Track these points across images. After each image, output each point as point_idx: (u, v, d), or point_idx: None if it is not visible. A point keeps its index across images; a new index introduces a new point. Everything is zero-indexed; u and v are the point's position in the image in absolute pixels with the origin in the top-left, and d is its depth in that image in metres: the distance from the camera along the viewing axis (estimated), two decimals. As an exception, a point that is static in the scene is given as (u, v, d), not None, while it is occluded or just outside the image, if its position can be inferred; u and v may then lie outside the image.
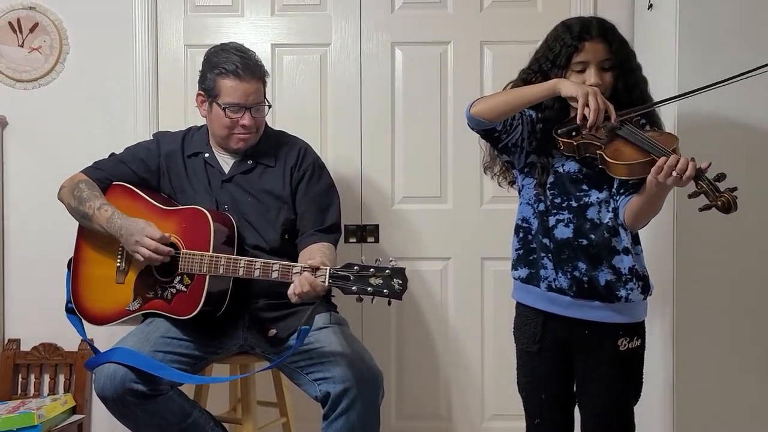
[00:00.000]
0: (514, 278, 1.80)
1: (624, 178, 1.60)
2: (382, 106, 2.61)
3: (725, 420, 2.09)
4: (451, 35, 2.60)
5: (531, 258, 1.74)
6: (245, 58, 1.97)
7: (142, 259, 1.88)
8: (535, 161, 1.73)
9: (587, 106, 1.53)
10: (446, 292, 2.63)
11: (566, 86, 1.58)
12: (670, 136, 1.63)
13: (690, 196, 1.52)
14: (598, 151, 1.59)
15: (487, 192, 2.59)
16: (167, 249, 1.87)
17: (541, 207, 1.72)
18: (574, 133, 1.60)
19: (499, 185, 1.90)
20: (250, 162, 2.07)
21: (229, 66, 1.95)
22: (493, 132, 1.69)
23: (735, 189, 1.47)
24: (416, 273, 2.58)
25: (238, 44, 2.03)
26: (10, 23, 2.63)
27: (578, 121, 1.56)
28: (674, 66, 2.08)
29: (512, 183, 1.87)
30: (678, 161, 1.48)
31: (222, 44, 2.04)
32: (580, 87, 1.56)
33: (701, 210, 1.50)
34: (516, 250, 1.78)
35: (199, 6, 2.64)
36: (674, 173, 1.48)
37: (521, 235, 1.77)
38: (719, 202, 1.47)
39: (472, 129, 1.72)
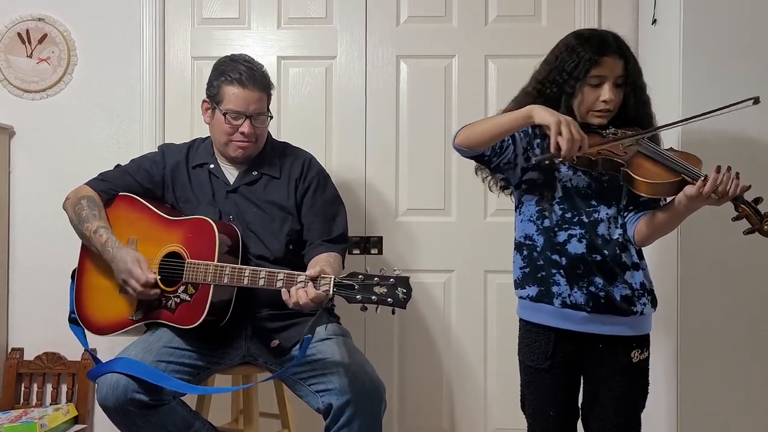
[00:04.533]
0: (521, 297, 1.76)
1: (649, 196, 1.59)
2: (387, 119, 2.62)
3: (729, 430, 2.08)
4: (455, 49, 2.61)
5: (539, 275, 1.71)
6: (251, 68, 2.00)
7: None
8: (536, 177, 1.72)
9: (560, 134, 1.50)
10: (449, 305, 2.63)
11: (539, 113, 1.54)
12: (694, 157, 1.62)
13: (733, 220, 1.53)
14: (622, 168, 1.57)
15: (490, 205, 2.59)
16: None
17: (546, 223, 1.70)
18: (546, 161, 1.57)
19: (490, 189, 1.89)
20: (255, 173, 2.08)
21: (235, 74, 1.98)
22: (482, 157, 1.71)
23: None
24: (419, 285, 2.59)
25: (248, 56, 2.06)
26: (19, 34, 2.66)
27: (552, 150, 1.52)
28: (678, 81, 2.09)
29: (504, 188, 1.85)
30: (720, 182, 1.47)
31: (232, 55, 2.07)
32: (553, 115, 1.52)
33: (746, 233, 1.50)
34: (521, 268, 1.75)
35: (206, 18, 2.66)
36: (713, 196, 1.48)
37: (525, 252, 1.74)
38: (766, 227, 1.47)
39: (463, 156, 1.72)
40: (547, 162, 1.57)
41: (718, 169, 1.49)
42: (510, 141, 1.70)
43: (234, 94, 1.98)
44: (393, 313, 1.65)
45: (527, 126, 1.62)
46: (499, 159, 1.71)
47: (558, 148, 1.50)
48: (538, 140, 1.72)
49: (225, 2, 2.66)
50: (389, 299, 1.62)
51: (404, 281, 1.63)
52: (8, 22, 2.66)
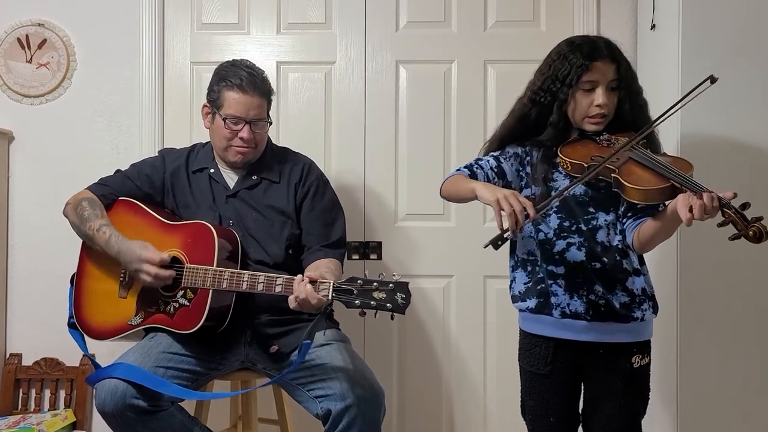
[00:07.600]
0: (521, 310, 1.77)
1: (640, 202, 1.58)
2: (386, 124, 2.62)
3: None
4: (455, 54, 2.62)
5: (539, 287, 1.72)
6: (252, 74, 2.01)
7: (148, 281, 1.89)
8: (529, 195, 1.72)
9: (503, 211, 1.51)
10: (449, 310, 2.62)
11: (480, 193, 1.58)
12: (684, 162, 1.61)
13: (719, 225, 1.50)
14: (612, 175, 1.57)
15: (490, 210, 2.58)
16: (168, 273, 1.88)
17: (541, 236, 1.72)
18: (499, 242, 1.55)
19: None
20: (254, 177, 2.08)
21: (235, 80, 1.99)
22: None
23: (761, 218, 1.44)
24: (419, 290, 2.59)
25: (249, 62, 2.07)
26: (18, 39, 2.66)
27: (499, 228, 1.54)
28: (677, 86, 2.09)
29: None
30: (701, 199, 1.43)
31: (233, 60, 2.08)
32: (492, 193, 1.54)
33: (731, 239, 1.47)
34: (524, 283, 1.75)
35: (205, 24, 2.67)
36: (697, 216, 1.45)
37: (529, 268, 1.75)
38: (750, 232, 1.43)
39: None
40: (500, 242, 1.56)
41: (700, 196, 1.44)
42: (496, 177, 1.72)
43: (234, 100, 1.99)
44: (392, 318, 1.65)
45: (475, 199, 1.65)
46: None
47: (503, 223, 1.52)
48: (529, 158, 1.74)
49: (224, 7, 2.66)
50: (388, 304, 1.62)
51: (403, 287, 1.63)
52: (8, 28, 2.66)
